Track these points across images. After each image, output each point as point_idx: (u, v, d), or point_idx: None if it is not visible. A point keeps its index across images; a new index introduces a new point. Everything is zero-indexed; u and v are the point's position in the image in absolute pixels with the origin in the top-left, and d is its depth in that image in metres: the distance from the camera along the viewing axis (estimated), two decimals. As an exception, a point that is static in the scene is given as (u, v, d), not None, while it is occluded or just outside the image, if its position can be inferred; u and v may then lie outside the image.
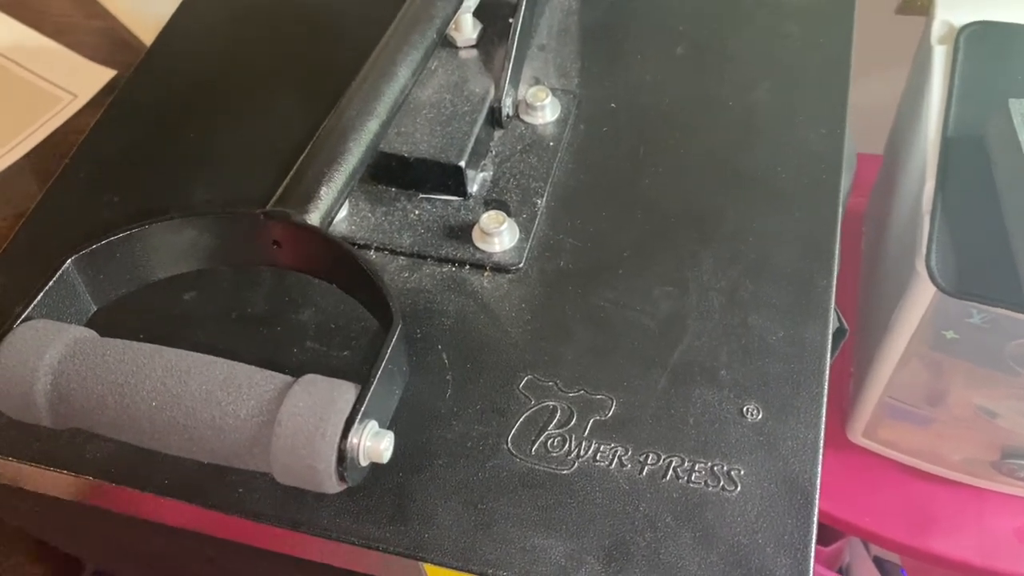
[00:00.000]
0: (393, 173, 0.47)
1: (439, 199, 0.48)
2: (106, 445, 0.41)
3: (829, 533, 0.74)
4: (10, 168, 0.68)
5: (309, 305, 0.45)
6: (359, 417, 0.28)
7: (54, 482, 0.42)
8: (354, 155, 0.38)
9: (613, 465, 0.39)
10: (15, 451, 0.41)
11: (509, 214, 0.46)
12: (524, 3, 0.49)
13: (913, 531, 0.70)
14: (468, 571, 0.37)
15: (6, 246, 0.49)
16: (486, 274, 0.45)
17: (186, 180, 0.51)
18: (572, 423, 0.40)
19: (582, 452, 0.39)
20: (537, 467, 0.39)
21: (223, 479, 0.39)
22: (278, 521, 0.38)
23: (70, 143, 0.69)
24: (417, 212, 0.47)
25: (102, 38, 0.78)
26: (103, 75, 0.74)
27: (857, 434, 0.72)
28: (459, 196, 0.48)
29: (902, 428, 0.69)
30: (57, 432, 0.41)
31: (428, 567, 0.37)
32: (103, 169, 0.52)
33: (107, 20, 0.79)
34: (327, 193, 0.36)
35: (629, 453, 0.39)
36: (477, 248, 0.46)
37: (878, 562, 0.77)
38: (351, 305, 0.44)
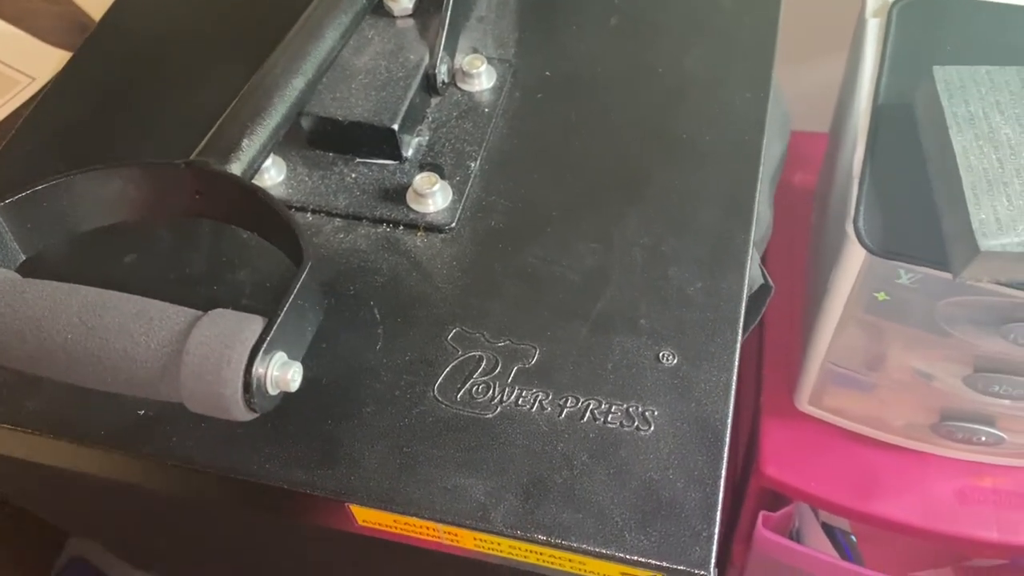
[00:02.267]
0: (329, 137, 0.48)
1: (375, 163, 0.49)
2: (44, 399, 0.42)
3: (778, 499, 0.76)
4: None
5: (245, 266, 0.46)
6: (264, 346, 0.29)
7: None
8: (278, 111, 0.39)
9: (534, 409, 0.40)
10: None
11: (443, 176, 0.48)
12: (458, -28, 0.51)
13: (859, 495, 0.71)
14: (391, 511, 0.38)
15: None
16: (419, 234, 0.47)
17: (131, 149, 0.52)
18: (497, 371, 0.41)
19: (505, 397, 0.40)
20: (462, 412, 0.40)
21: (158, 429, 0.40)
22: (210, 467, 0.39)
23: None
24: (353, 175, 0.49)
25: (60, 22, 0.78)
26: (61, 58, 0.75)
27: (804, 402, 0.73)
28: (394, 160, 0.49)
29: (846, 395, 0.71)
30: (-4, 387, 0.42)
31: (354, 508, 0.39)
32: (49, 140, 0.53)
33: (66, 5, 0.80)
34: (249, 145, 0.37)
35: (550, 397, 0.40)
36: (411, 209, 0.47)
37: (827, 528, 0.79)
38: (285, 265, 0.46)
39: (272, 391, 0.30)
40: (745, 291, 0.43)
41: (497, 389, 0.41)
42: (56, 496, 0.59)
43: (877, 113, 0.59)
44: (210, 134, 0.38)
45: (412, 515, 0.38)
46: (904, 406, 0.68)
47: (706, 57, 0.53)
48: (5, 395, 0.42)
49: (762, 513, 0.75)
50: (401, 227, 0.47)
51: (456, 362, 0.42)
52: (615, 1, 0.57)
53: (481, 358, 0.42)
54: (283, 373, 0.30)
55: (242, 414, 0.29)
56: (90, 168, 0.36)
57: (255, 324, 0.30)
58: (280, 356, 0.30)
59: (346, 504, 0.39)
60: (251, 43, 0.56)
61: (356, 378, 0.42)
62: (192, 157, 0.37)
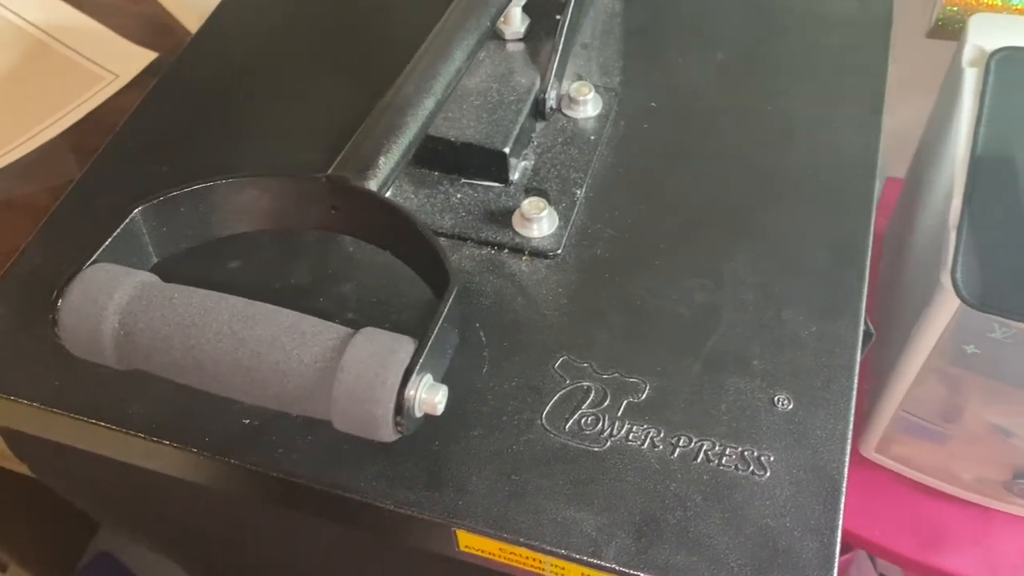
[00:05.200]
0: (438, 156, 0.48)
1: (481, 184, 0.49)
2: (149, 401, 0.42)
3: (837, 546, 0.75)
4: (50, 143, 0.69)
5: (350, 279, 0.46)
6: (417, 368, 0.29)
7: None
8: (411, 129, 0.39)
9: (645, 445, 0.39)
10: (60, 404, 0.42)
11: (549, 202, 0.47)
12: (573, 0, 0.51)
13: (920, 546, 0.70)
14: (500, 539, 0.37)
15: (54, 207, 0.50)
16: (524, 258, 0.47)
17: (233, 153, 0.52)
18: (606, 404, 0.41)
19: (615, 432, 0.40)
20: (570, 443, 0.40)
21: (263, 439, 0.40)
22: (316, 482, 0.39)
23: (110, 121, 0.70)
24: (459, 196, 0.49)
25: (145, 22, 0.79)
26: (145, 57, 0.75)
27: (870, 449, 0.72)
28: (501, 182, 0.49)
29: (916, 444, 0.70)
30: (102, 386, 0.42)
31: (460, 533, 0.38)
32: (151, 141, 0.53)
33: (150, 4, 0.80)
34: (385, 163, 0.37)
35: (661, 435, 0.40)
36: (517, 233, 0.47)
37: (883, 578, 0.78)
38: (391, 280, 0.46)
39: (418, 413, 0.30)
40: (860, 339, 0.42)
41: (607, 422, 0.40)
42: (108, 489, 0.58)
43: (975, 164, 0.58)
44: (346, 150, 0.38)
45: (521, 545, 0.37)
46: (976, 460, 0.67)
47: (814, 98, 0.53)
48: (109, 396, 0.42)
49: (821, 559, 0.73)
50: (506, 250, 0.47)
51: (563, 391, 0.41)
52: (720, 36, 0.56)
53: (589, 389, 0.41)
54: (431, 396, 0.30)
55: (389, 435, 0.29)
56: (230, 176, 0.35)
57: (407, 345, 0.29)
58: (428, 378, 0.30)
59: (452, 528, 0.38)
60: (348, 55, 0.57)
61: (463, 400, 0.41)
62: (330, 172, 0.37)
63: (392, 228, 0.36)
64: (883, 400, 0.67)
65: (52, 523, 0.99)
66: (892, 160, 0.82)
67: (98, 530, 1.07)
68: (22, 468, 0.62)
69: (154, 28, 0.79)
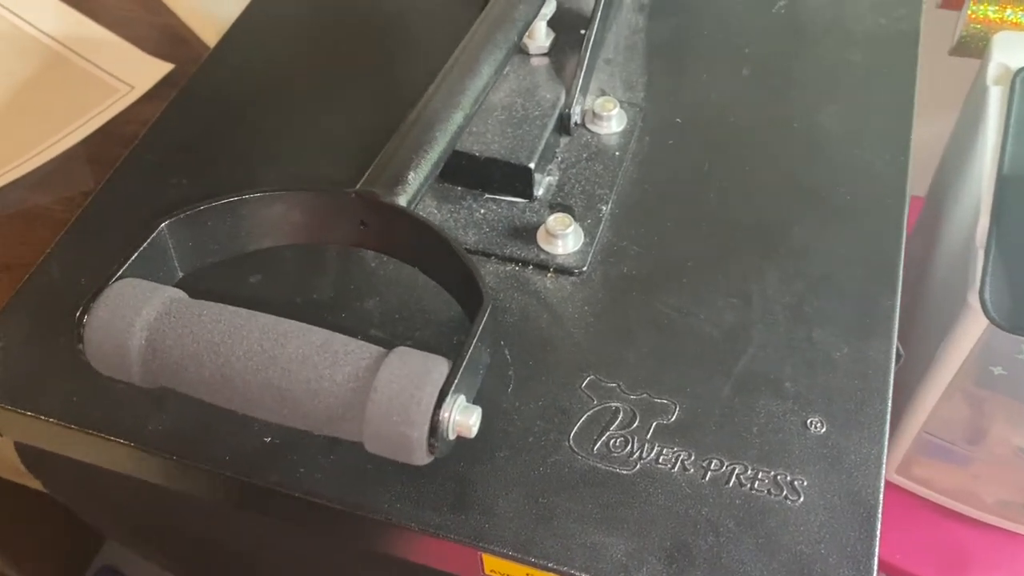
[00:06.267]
0: (462, 171, 0.48)
1: (505, 200, 0.48)
2: (168, 418, 0.41)
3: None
4: (65, 154, 0.69)
5: (373, 295, 0.45)
6: (452, 389, 0.28)
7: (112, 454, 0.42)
8: (439, 144, 0.38)
9: (676, 469, 0.39)
10: (78, 420, 0.41)
11: (574, 218, 0.47)
12: (599, 15, 0.50)
13: (943, 570, 0.69)
14: (528, 563, 0.37)
15: (73, 219, 0.49)
16: (549, 275, 0.46)
17: (252, 168, 0.51)
18: (635, 425, 0.40)
19: (644, 454, 0.39)
20: (599, 466, 0.39)
21: (284, 458, 0.39)
22: (338, 502, 0.38)
23: (126, 133, 0.70)
24: (483, 211, 0.48)
25: (161, 33, 0.79)
26: (160, 68, 0.75)
27: (891, 471, 0.71)
28: (525, 198, 0.48)
29: (938, 466, 0.69)
30: (120, 402, 0.41)
31: (486, 557, 0.37)
32: (170, 155, 0.53)
33: (166, 16, 0.80)
34: (414, 178, 0.37)
35: (692, 458, 0.39)
36: (542, 249, 0.46)
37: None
38: (413, 296, 0.45)
39: (451, 435, 0.29)
40: (893, 360, 0.41)
41: (636, 444, 0.39)
42: (123, 506, 0.58)
43: (1002, 182, 0.57)
44: (374, 165, 0.37)
45: (549, 570, 0.36)
46: (1000, 483, 0.66)
47: (841, 114, 0.52)
48: (127, 413, 0.41)
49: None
50: (531, 267, 0.46)
51: (591, 412, 0.41)
52: (746, 51, 0.56)
53: (617, 410, 0.40)
54: (465, 418, 0.29)
55: (422, 458, 0.28)
56: (259, 190, 0.35)
57: (441, 365, 0.29)
58: (461, 400, 0.29)
59: (478, 552, 0.37)
60: (367, 71, 0.56)
61: (488, 420, 0.40)
62: (359, 187, 0.36)
63: (423, 245, 0.35)
64: (905, 421, 0.66)
65: (57, 536, 0.98)
66: (913, 178, 0.81)
67: (102, 544, 1.06)
68: (26, 481, 0.61)
69: (170, 40, 0.79)
